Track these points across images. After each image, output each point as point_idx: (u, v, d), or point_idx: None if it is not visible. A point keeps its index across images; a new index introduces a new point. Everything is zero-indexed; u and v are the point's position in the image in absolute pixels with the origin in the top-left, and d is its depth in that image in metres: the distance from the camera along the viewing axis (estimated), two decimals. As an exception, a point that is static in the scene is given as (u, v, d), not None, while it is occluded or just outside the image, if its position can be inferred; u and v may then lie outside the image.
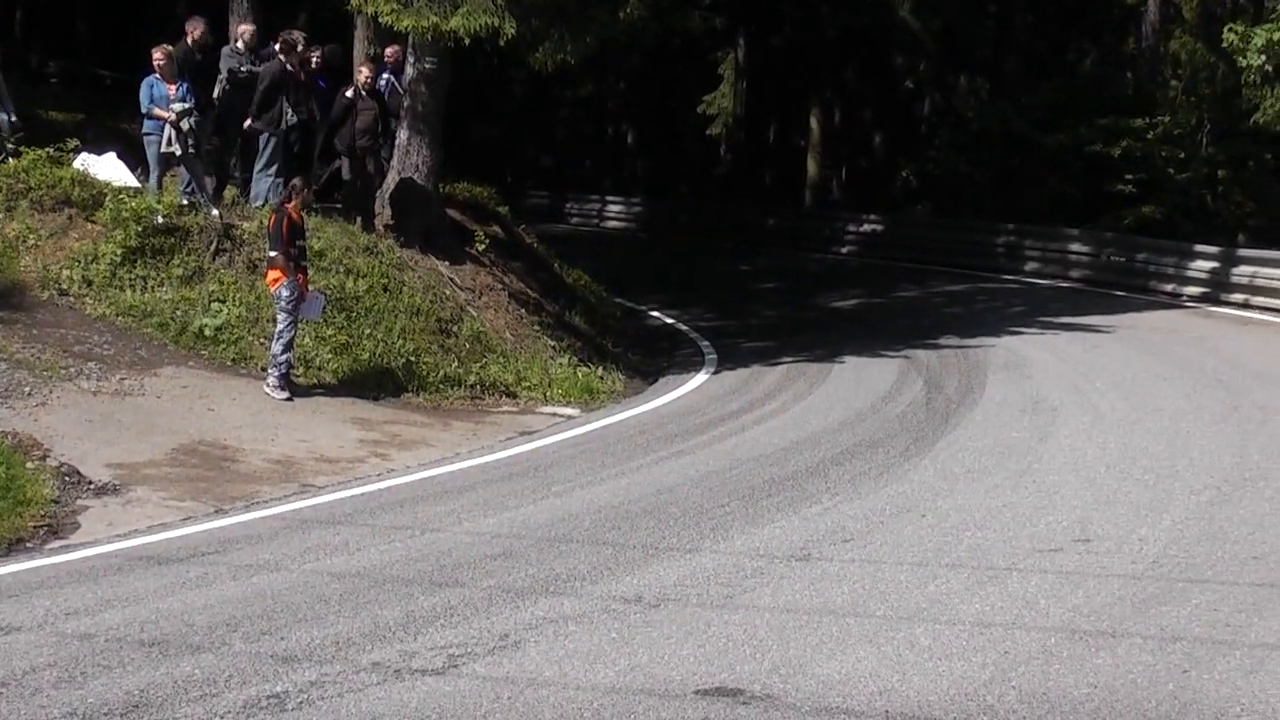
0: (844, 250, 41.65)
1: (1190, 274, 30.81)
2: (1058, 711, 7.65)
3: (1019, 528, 11.79)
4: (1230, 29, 27.57)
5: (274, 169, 19.71)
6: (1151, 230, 35.25)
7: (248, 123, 20.02)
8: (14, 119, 19.77)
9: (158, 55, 18.82)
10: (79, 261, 17.87)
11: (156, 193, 18.83)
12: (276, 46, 20.20)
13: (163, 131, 18.74)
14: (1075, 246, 35.58)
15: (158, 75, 18.73)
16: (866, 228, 42.42)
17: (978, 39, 47.29)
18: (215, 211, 18.90)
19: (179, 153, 18.84)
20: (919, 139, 50.33)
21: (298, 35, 20.65)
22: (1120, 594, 9.85)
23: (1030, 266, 36.48)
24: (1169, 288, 31.05)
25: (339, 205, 21.03)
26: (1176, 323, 26.64)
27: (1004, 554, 10.96)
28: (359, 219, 20.65)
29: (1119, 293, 31.39)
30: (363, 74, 21.09)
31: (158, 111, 18.67)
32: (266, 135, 19.84)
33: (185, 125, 18.67)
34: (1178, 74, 41.10)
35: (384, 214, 21.66)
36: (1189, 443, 15.29)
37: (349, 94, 20.68)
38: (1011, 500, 12.82)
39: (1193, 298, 30.02)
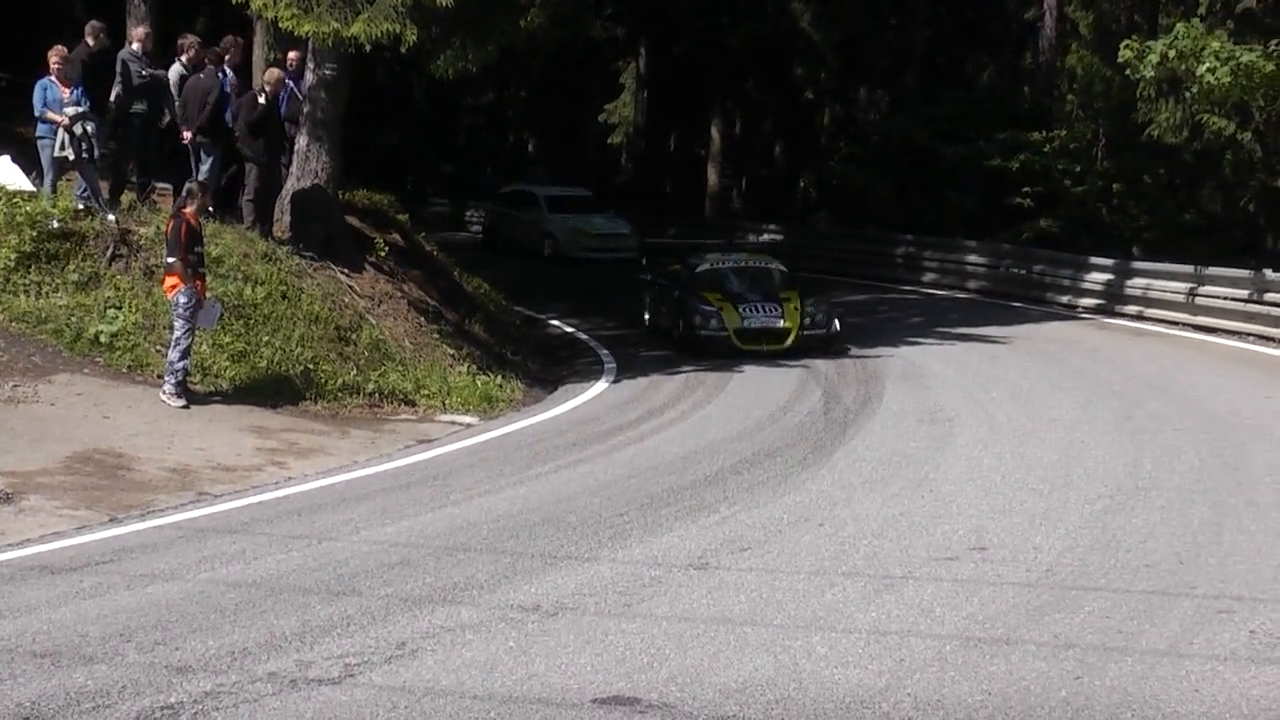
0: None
1: (1086, 286, 31.18)
2: (952, 719, 7.71)
3: (915, 536, 11.87)
4: (1127, 44, 27.91)
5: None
6: (1049, 242, 35.63)
7: (188, 135, 19.94)
8: None
9: (54, 58, 18.61)
10: (-29, 267, 17.65)
11: (51, 197, 18.62)
12: (186, 54, 20.24)
13: (56, 135, 18.55)
14: (973, 258, 35.93)
15: (52, 78, 18.52)
16: (766, 237, 42.68)
17: (878, 51, 47.64)
18: (111, 216, 18.72)
19: (72, 157, 18.65)
20: (819, 149, 50.68)
21: (227, 40, 20.77)
22: (1015, 602, 9.94)
23: (929, 277, 36.80)
24: (1065, 299, 31.40)
25: (232, 210, 20.88)
26: (1072, 334, 26.93)
27: (900, 562, 11.03)
28: (258, 225, 20.50)
29: (1016, 304, 31.71)
30: (275, 76, 20.95)
31: (51, 115, 18.47)
32: (209, 146, 19.87)
33: (79, 129, 18.48)
34: (1074, 88, 41.55)
35: (283, 220, 21.52)
36: (1083, 452, 15.46)
37: (260, 99, 20.55)
38: (908, 509, 12.90)
39: (1088, 309, 30.36)
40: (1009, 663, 8.59)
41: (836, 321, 24.60)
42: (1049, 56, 42.31)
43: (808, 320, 23.91)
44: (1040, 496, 13.37)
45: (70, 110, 18.43)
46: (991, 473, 14.47)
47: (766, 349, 23.32)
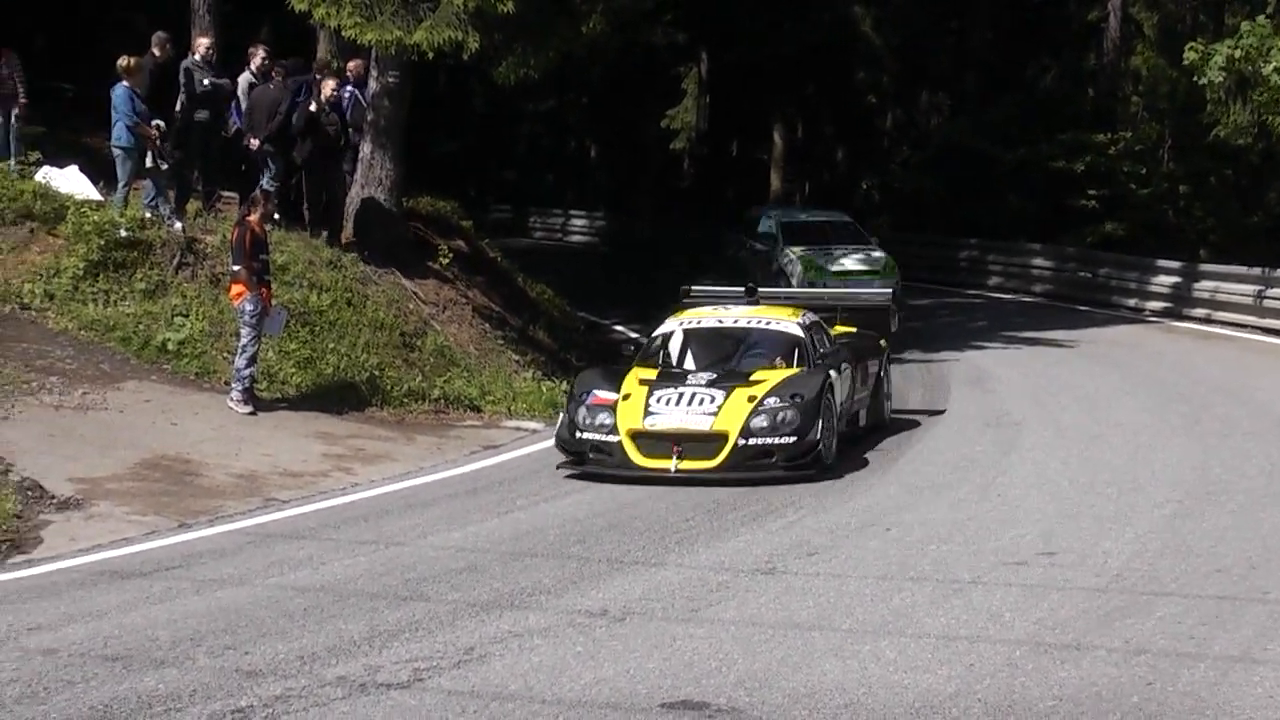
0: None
1: (1152, 289, 30.97)
2: (1023, 724, 7.67)
3: (983, 541, 11.82)
4: (1191, 47, 27.69)
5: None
6: (1114, 245, 35.39)
7: (255, 144, 20.07)
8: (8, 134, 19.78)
9: (132, 64, 18.65)
10: (41, 275, 17.79)
11: (121, 207, 18.74)
12: (254, 63, 20.46)
13: (137, 144, 18.63)
14: (1038, 261, 35.75)
15: (135, 88, 18.59)
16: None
17: (938, 54, 47.44)
18: (178, 225, 18.83)
19: (165, 167, 18.81)
20: (881, 153, 50.49)
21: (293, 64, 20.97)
22: (1085, 607, 9.86)
23: (993, 281, 36.62)
24: (1131, 303, 31.21)
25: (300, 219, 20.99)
26: (1139, 338, 26.78)
27: (968, 567, 10.98)
28: (323, 233, 20.60)
29: (1082, 308, 31.53)
30: (328, 88, 21.04)
31: (143, 128, 18.54)
32: (274, 156, 20.01)
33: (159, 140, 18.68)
34: (1138, 90, 41.26)
35: (347, 228, 21.60)
36: (1151, 457, 15.36)
37: (312, 108, 20.65)
38: (976, 514, 12.85)
39: (1155, 313, 30.17)
40: (1079, 668, 8.53)
41: (887, 405, 17.85)
42: (1113, 57, 41.97)
43: (761, 422, 14.52)
44: (1108, 501, 13.29)
45: (158, 122, 18.58)
46: (1059, 477, 14.39)
47: (675, 470, 14.36)
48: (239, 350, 16.57)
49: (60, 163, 19.89)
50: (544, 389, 19.66)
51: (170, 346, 17.36)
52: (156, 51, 19.70)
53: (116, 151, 18.87)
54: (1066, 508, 13.02)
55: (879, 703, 7.96)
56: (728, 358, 16.08)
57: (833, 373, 15.46)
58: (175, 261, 18.45)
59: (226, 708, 7.98)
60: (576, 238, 51.74)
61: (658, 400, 14.73)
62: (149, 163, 18.79)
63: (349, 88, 21.95)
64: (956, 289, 35.89)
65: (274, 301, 17.16)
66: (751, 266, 30.24)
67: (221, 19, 22.81)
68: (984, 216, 39.03)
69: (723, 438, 14.34)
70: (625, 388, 15.07)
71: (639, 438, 14.54)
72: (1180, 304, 29.80)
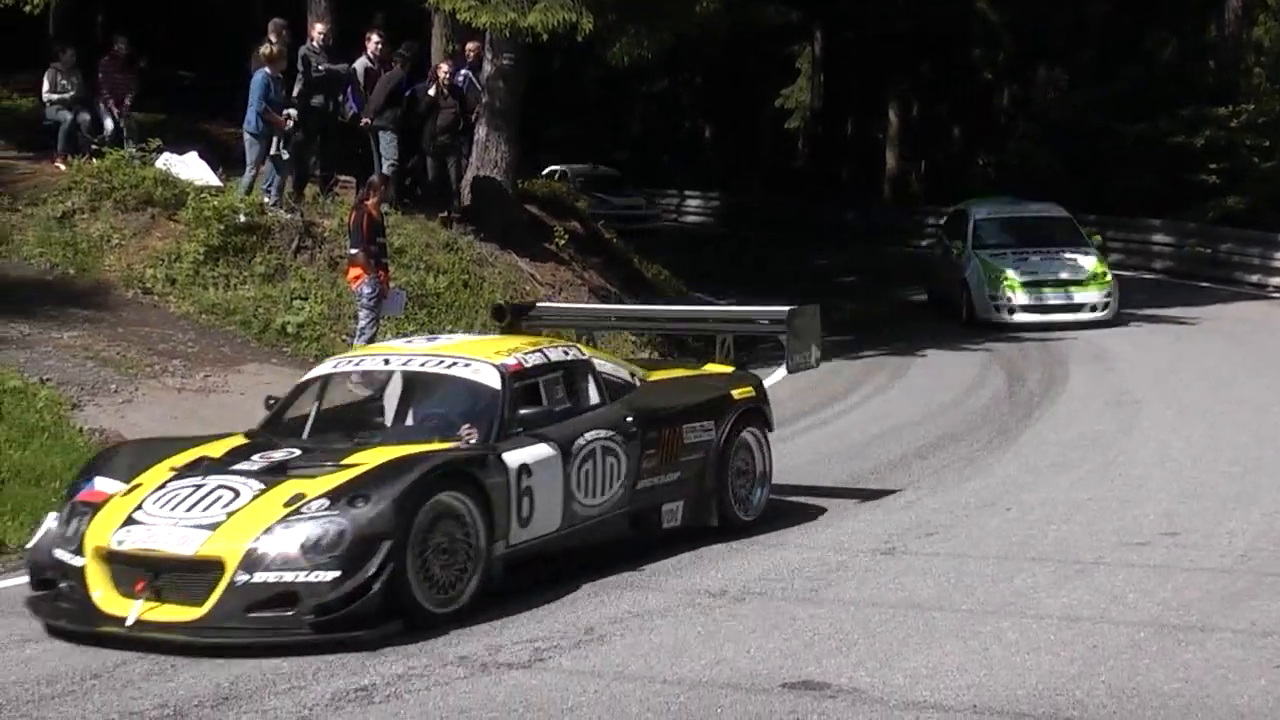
0: (923, 243, 41.42)
1: (1276, 264, 30.50)
2: (1147, 706, 7.57)
3: (1105, 521, 11.70)
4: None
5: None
6: (1236, 220, 34.85)
7: (365, 120, 20.24)
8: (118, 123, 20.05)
9: (274, 51, 18.86)
10: (162, 260, 18.02)
11: (245, 192, 18.92)
12: (371, 48, 20.67)
13: (267, 131, 18.83)
14: (1158, 237, 35.30)
15: (272, 74, 18.79)
16: (946, 220, 42.16)
17: (1054, 29, 46.90)
18: (295, 210, 19.01)
19: (286, 156, 19.02)
20: (997, 130, 50.03)
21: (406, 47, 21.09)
22: (1209, 588, 9.74)
23: (1112, 258, 36.09)
24: (1254, 279, 30.74)
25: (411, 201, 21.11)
26: (1262, 314, 26.37)
27: (1090, 548, 10.87)
28: (439, 216, 20.71)
29: (1203, 284, 31.10)
30: (442, 71, 21.15)
31: (273, 117, 18.74)
32: (389, 135, 20.14)
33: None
34: (1260, 61, 40.57)
35: (462, 209, 21.71)
36: (1276, 434, 15.12)
37: (430, 92, 20.77)
38: (1096, 493, 12.72)
39: (1278, 288, 29.68)
40: (1204, 650, 8.42)
41: (757, 495, 12.13)
42: (1234, 29, 41.29)
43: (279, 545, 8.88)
44: (1232, 480, 13.11)
45: (289, 111, 18.79)
46: (1181, 455, 14.22)
47: (129, 626, 8.80)
48: (357, 333, 16.71)
49: (180, 149, 20.13)
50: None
51: (289, 329, 17.55)
52: (273, 39, 19.87)
53: (247, 137, 19.05)
54: (1189, 487, 12.86)
55: (1001, 684, 7.90)
56: (371, 424, 11.07)
57: (519, 454, 9.95)
58: (294, 245, 18.64)
59: (350, 685, 8.05)
60: (691, 218, 51.71)
61: (158, 500, 9.34)
62: (273, 150, 18.99)
63: (464, 71, 22.06)
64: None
65: (392, 284, 17.28)
66: (941, 270, 27.55)
67: (337, 5, 22.96)
68: (1102, 192, 38.57)
69: (216, 568, 8.82)
70: (149, 475, 9.71)
71: (110, 562, 9.09)
72: (1304, 280, 29.33)
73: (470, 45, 22.25)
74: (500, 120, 21.83)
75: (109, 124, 20.46)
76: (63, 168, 19.64)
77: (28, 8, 22.21)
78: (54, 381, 14.73)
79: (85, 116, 20.34)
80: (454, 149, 21.26)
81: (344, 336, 17.46)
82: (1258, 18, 41.24)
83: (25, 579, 9.64)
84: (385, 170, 19.61)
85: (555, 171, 42.04)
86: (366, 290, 16.56)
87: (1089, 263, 25.25)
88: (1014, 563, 10.49)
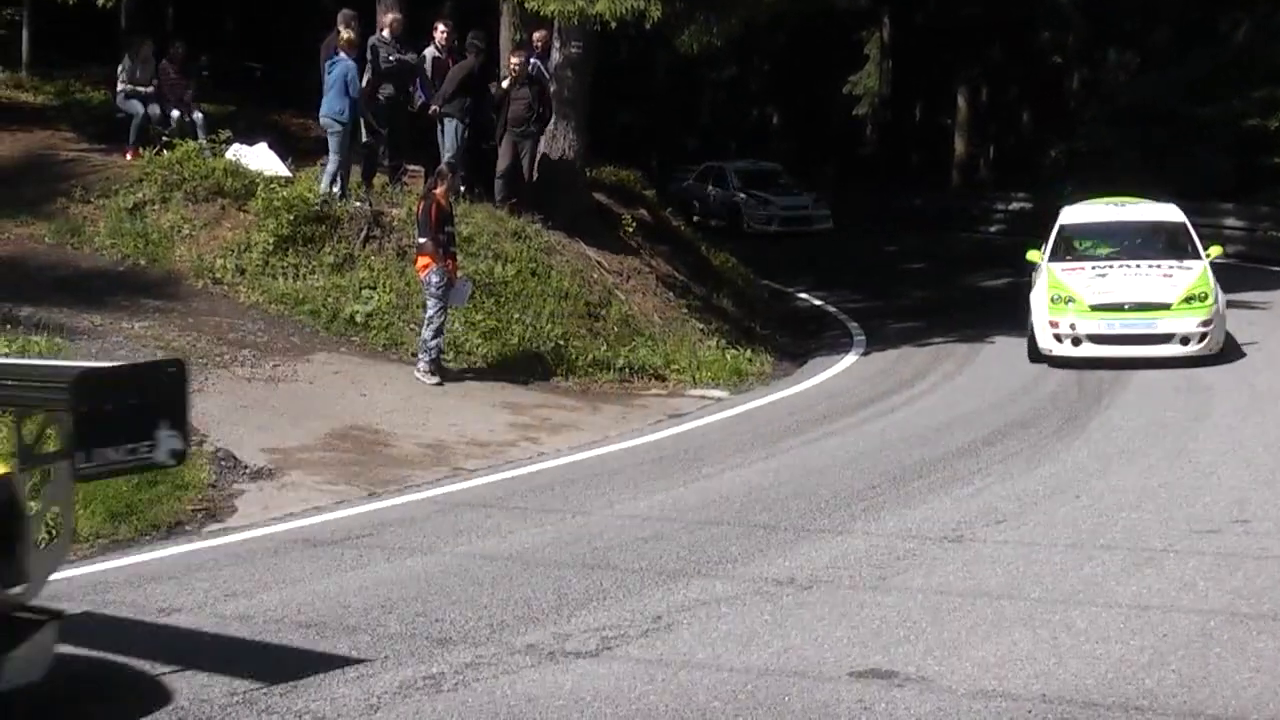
0: (992, 229, 41.24)
1: (1349, 248, 30.16)
2: (1219, 696, 7.51)
3: (1175, 509, 11.60)
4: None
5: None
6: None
7: (433, 108, 20.33)
8: (192, 117, 20.20)
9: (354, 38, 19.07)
10: (232, 250, 18.17)
11: (329, 182, 19.01)
12: (440, 37, 20.75)
13: (354, 119, 18.98)
14: (1230, 221, 34.97)
15: (352, 61, 18.94)
16: (1015, 206, 41.97)
17: (1126, 10, 46.54)
18: (359, 202, 19.12)
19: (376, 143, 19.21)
20: (1067, 115, 49.71)
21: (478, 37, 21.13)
22: (1280, 575, 9.66)
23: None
24: (1328, 263, 30.43)
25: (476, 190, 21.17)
26: (1335, 299, 26.10)
27: (1160, 535, 10.79)
28: (507, 204, 20.75)
29: (1276, 268, 30.81)
30: (513, 61, 21.17)
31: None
32: (455, 124, 20.18)
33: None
34: (1336, 43, 40.08)
35: (531, 198, 21.74)
36: (1350, 421, 14.98)
37: (504, 84, 20.84)
38: (1167, 480, 12.62)
39: (1352, 273, 29.39)
40: (1277, 639, 8.34)
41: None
42: (1311, 8, 40.89)
43: None
44: (1306, 467, 12.99)
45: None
46: (1253, 442, 14.09)
47: None
48: (425, 322, 16.78)
49: (250, 140, 20.26)
50: (728, 357, 19.69)
51: (358, 319, 17.64)
52: (343, 29, 19.95)
53: (331, 124, 19.08)
54: (1261, 474, 12.74)
55: (1070, 673, 7.86)
56: None
57: None
58: (362, 235, 18.73)
59: (418, 674, 8.08)
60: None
61: None
62: (365, 136, 19.14)
63: (533, 60, 22.09)
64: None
65: (459, 273, 17.35)
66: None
67: (406, -5, 23.04)
68: (1174, 176, 38.26)
69: None
70: None
71: None
72: (1381, 264, 28.97)
73: (538, 34, 22.26)
74: (568, 108, 21.85)
75: (175, 115, 20.59)
76: (131, 159, 19.80)
77: (100, 2, 22.37)
78: (125, 371, 14.83)
79: (155, 109, 20.48)
80: (527, 138, 21.25)
81: (412, 326, 17.53)
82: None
83: (95, 568, 9.65)
84: (453, 160, 19.66)
85: (705, 168, 42.66)
86: (435, 279, 16.62)
87: (1186, 280, 19.56)
88: (1083, 551, 10.42)
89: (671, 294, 22.01)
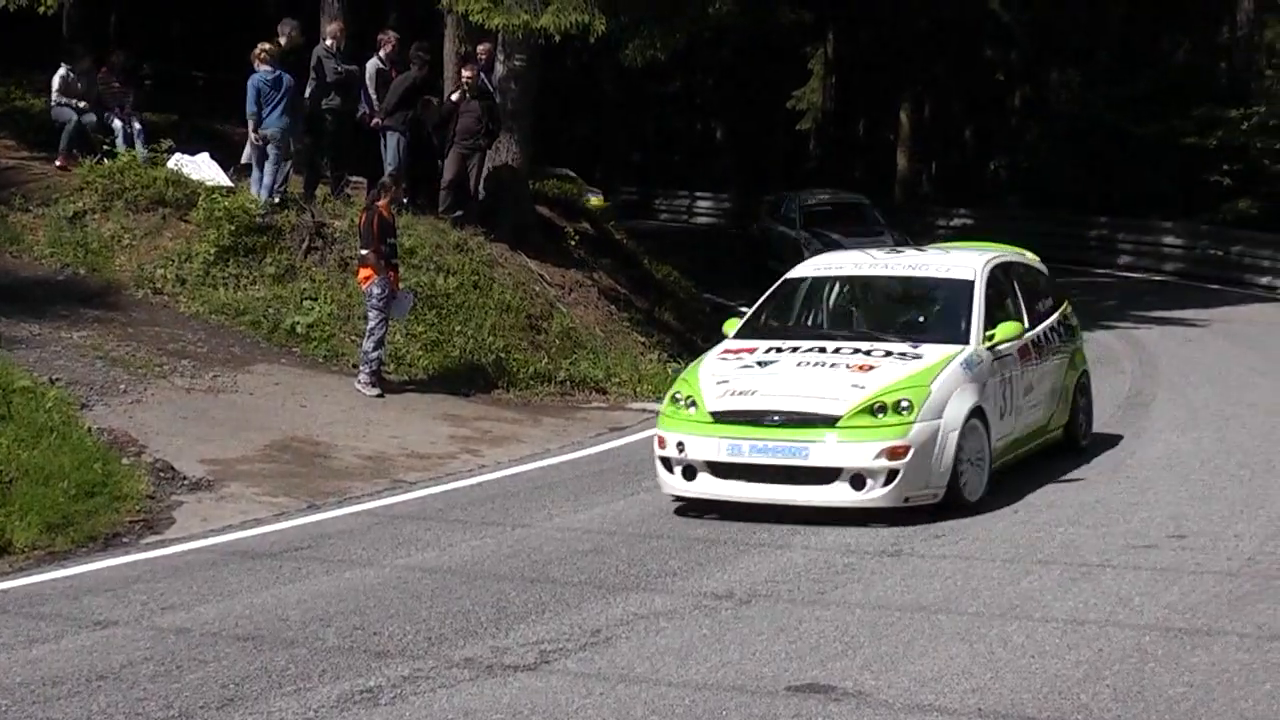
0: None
1: (1287, 267, 30.44)
2: (1153, 710, 7.56)
3: (1112, 524, 11.68)
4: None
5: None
6: (1248, 223, 34.82)
7: (375, 120, 20.28)
8: (133, 126, 20.05)
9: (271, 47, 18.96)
10: (173, 260, 18.08)
11: (269, 193, 18.93)
12: (385, 49, 20.66)
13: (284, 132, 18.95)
14: (1169, 239, 35.30)
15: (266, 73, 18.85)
16: (957, 221, 42.19)
17: (1069, 30, 46.89)
18: (305, 209, 19.07)
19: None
20: (1010, 132, 50.01)
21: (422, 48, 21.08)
22: (1216, 591, 9.73)
23: (1123, 260, 36.20)
24: (1265, 281, 30.75)
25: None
26: (1273, 317, 26.35)
27: (1097, 550, 10.85)
28: (453, 216, 20.71)
29: (1213, 286, 31.10)
30: (465, 75, 21.11)
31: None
32: (397, 136, 20.14)
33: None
34: (1272, 63, 40.53)
35: (474, 210, 21.71)
36: (1286, 438, 15.11)
37: (454, 96, 20.81)
38: (1104, 496, 12.70)
39: (1289, 291, 29.66)
40: (1211, 654, 8.41)
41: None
42: (1247, 31, 41.32)
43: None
44: (1240, 483, 13.09)
45: (267, 134, 18.90)
46: (1190, 458, 14.20)
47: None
48: (367, 333, 16.73)
49: (192, 150, 20.15)
50: (670, 371, 19.65)
51: (299, 330, 17.58)
52: (284, 39, 19.89)
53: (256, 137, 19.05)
54: (1197, 490, 12.84)
55: (1007, 687, 7.90)
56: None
57: None
58: (304, 246, 18.66)
59: (355, 688, 8.06)
60: (703, 219, 51.71)
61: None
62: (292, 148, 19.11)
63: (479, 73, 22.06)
64: (1086, 268, 35.47)
65: (401, 285, 17.30)
66: None
67: (350, 5, 22.98)
68: (1114, 194, 38.56)
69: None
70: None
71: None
72: (1317, 282, 29.26)
73: (482, 47, 22.22)
74: (513, 122, 21.83)
75: (117, 125, 20.42)
76: (61, 167, 19.65)
77: (41, 8, 22.21)
78: (63, 381, 14.77)
79: (91, 118, 20.31)
80: (475, 151, 21.19)
81: (354, 337, 17.48)
82: (1269, 21, 41.22)
83: (31, 580, 9.72)
84: (395, 171, 19.61)
85: (777, 198, 35.77)
86: (376, 291, 16.58)
87: (890, 375, 12.24)
88: (1020, 565, 10.48)
89: (614, 307, 22.02)
